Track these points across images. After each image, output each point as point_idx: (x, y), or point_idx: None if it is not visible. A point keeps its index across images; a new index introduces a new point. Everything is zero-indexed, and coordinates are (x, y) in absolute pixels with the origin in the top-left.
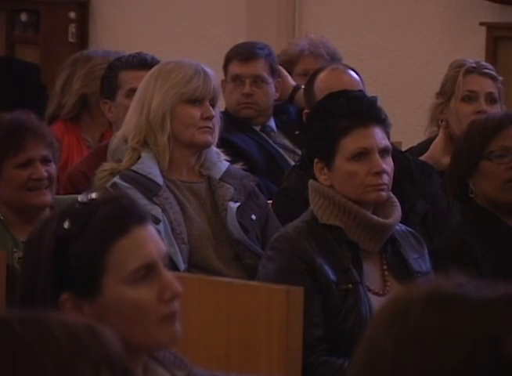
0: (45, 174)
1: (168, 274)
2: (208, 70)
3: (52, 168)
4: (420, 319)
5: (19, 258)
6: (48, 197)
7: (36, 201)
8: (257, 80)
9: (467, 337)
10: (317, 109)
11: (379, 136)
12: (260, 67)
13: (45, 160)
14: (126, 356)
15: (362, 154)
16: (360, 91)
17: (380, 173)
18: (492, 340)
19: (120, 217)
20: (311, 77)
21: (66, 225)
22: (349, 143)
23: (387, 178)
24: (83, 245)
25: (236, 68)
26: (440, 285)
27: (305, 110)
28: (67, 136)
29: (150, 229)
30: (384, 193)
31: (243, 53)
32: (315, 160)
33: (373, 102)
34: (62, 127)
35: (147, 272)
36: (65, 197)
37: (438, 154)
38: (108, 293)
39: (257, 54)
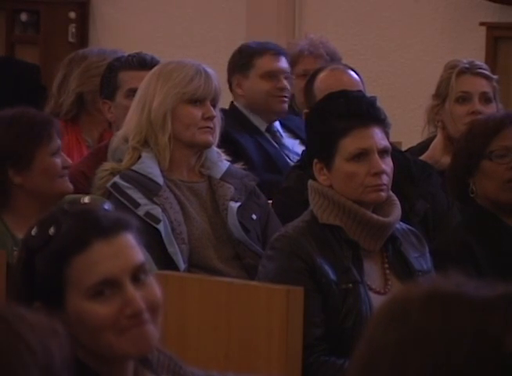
0: (69, 162)
1: (132, 290)
2: (209, 70)
3: (65, 158)
4: (421, 319)
5: None
6: (69, 184)
7: (64, 188)
8: (288, 75)
9: (468, 336)
10: (316, 109)
11: (378, 137)
12: (286, 63)
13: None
14: (108, 363)
15: (362, 155)
16: (359, 91)
17: (379, 174)
18: (493, 339)
19: (80, 233)
20: (310, 78)
21: (33, 232)
22: (348, 144)
23: (386, 179)
24: (44, 260)
25: (270, 63)
26: (439, 285)
27: (305, 110)
28: (67, 136)
29: (119, 241)
30: (383, 194)
31: (274, 48)
32: (315, 160)
33: (372, 102)
34: (61, 127)
35: (107, 287)
36: (65, 196)
37: (437, 154)
38: (70, 306)
39: (281, 51)
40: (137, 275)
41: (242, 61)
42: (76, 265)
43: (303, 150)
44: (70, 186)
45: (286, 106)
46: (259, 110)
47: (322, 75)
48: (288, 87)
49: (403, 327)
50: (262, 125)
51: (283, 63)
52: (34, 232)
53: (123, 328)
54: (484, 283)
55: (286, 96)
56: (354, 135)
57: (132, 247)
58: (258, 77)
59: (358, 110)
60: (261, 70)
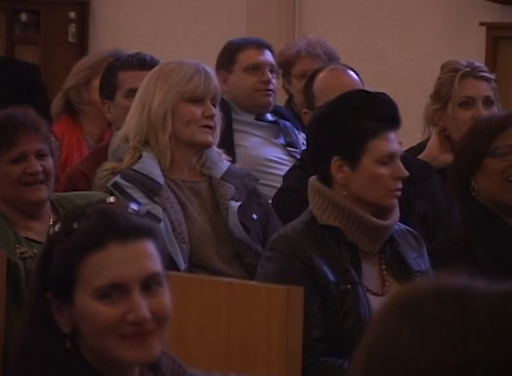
0: (40, 168)
1: (138, 298)
2: (209, 69)
3: (48, 162)
4: (435, 309)
5: (21, 254)
6: (43, 192)
7: (31, 197)
8: (274, 68)
9: (485, 325)
10: (342, 106)
11: (397, 141)
12: (271, 57)
13: (41, 155)
14: (112, 365)
15: (389, 158)
16: (385, 94)
17: (401, 178)
18: (509, 330)
19: (98, 232)
20: (310, 77)
21: (57, 228)
22: (379, 146)
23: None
24: (61, 253)
25: (253, 56)
26: (448, 280)
27: (304, 110)
28: (68, 135)
29: (137, 247)
30: (396, 199)
31: (256, 42)
32: (335, 157)
33: (397, 106)
34: (63, 126)
35: (115, 291)
36: (67, 194)
37: (435, 153)
38: (78, 302)
39: (266, 44)
40: (148, 284)
41: (226, 57)
42: (89, 264)
43: (303, 150)
44: (41, 194)
45: (271, 99)
46: (245, 104)
47: (321, 75)
48: (272, 80)
49: (416, 317)
50: (250, 117)
51: (267, 56)
52: (57, 225)
53: (124, 334)
54: (494, 280)
55: (270, 90)
56: (384, 138)
57: (149, 255)
58: (242, 71)
59: (390, 112)
60: (244, 64)
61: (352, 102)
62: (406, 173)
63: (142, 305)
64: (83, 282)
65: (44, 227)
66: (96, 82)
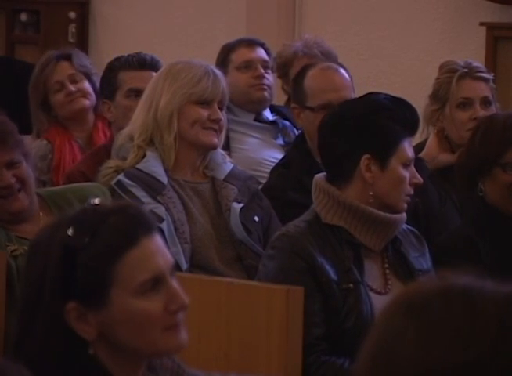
0: (11, 180)
1: (176, 286)
2: (217, 71)
3: (21, 169)
4: (442, 308)
5: (12, 252)
6: (23, 201)
7: (11, 208)
8: (267, 64)
9: (493, 325)
10: (372, 107)
11: None
12: (264, 54)
13: (12, 164)
14: (128, 366)
15: (410, 163)
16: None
17: (417, 185)
18: None
19: (130, 229)
20: (301, 71)
21: (70, 232)
22: (406, 150)
23: None
24: (91, 257)
25: (244, 54)
26: (455, 279)
27: (293, 105)
28: (59, 138)
29: (157, 239)
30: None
31: (248, 40)
32: (365, 155)
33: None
34: (53, 130)
35: (155, 284)
36: (59, 189)
37: (433, 152)
38: (115, 304)
39: (257, 42)
40: (172, 272)
41: (220, 59)
42: (126, 262)
43: (287, 148)
44: (19, 204)
45: (266, 93)
46: (241, 103)
47: (312, 72)
48: (266, 75)
49: (423, 316)
50: (249, 118)
51: (258, 53)
52: (71, 232)
53: (167, 326)
54: (499, 279)
55: (264, 84)
56: (409, 142)
57: (165, 246)
58: (235, 70)
59: (415, 118)
60: (236, 63)
61: (384, 103)
62: (421, 180)
63: (181, 292)
64: (121, 281)
65: (34, 224)
66: (53, 98)
